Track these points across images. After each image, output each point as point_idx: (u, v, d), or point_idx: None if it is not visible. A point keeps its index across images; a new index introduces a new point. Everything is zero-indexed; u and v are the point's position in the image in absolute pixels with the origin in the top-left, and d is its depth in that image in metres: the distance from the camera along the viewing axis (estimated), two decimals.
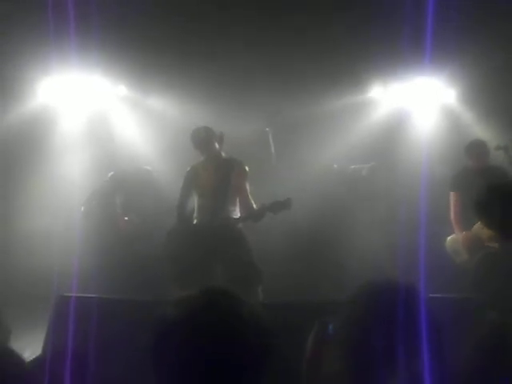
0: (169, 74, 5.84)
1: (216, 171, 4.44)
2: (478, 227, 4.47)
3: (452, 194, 4.82)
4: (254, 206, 4.38)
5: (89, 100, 6.30)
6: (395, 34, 4.44)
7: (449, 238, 4.73)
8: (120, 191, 5.62)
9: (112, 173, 5.69)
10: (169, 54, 5.52)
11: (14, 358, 1.21)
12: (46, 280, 4.90)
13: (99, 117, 6.30)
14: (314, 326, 1.54)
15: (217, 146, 4.47)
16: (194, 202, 4.57)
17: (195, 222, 4.48)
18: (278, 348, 1.28)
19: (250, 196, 4.42)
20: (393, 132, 6.11)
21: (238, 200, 4.44)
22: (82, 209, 5.58)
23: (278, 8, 4.96)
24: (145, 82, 6.14)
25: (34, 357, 2.26)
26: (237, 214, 4.43)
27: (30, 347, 3.23)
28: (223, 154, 4.53)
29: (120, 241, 5.44)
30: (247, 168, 4.50)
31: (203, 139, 4.43)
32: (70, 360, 1.86)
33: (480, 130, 6.01)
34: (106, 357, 2.33)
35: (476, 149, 4.75)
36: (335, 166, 5.93)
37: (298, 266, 5.17)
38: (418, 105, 6.24)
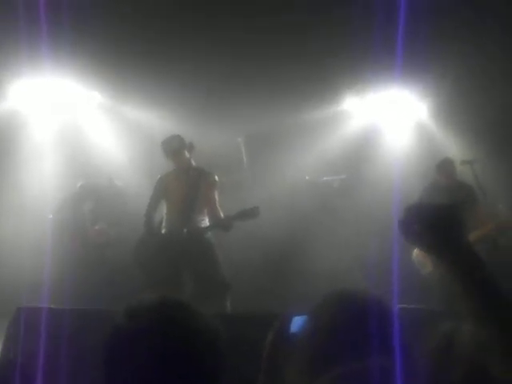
0: (143, 82, 5.78)
1: (185, 181, 4.43)
2: None
3: None
4: (222, 215, 4.35)
5: (60, 105, 6.19)
6: (368, 45, 4.48)
7: (415, 249, 4.76)
8: (89, 201, 5.56)
9: (81, 183, 5.63)
10: (143, 61, 5.47)
11: None
12: (11, 290, 4.80)
13: (70, 123, 6.20)
14: (276, 321, 1.50)
15: (187, 155, 4.45)
16: (163, 211, 4.52)
17: (164, 231, 4.44)
18: (231, 362, 1.24)
19: (218, 206, 4.42)
20: (365, 145, 6.16)
21: (206, 210, 4.42)
22: (51, 217, 5.48)
23: (252, 19, 4.96)
24: (118, 89, 6.06)
25: None
26: (206, 223, 4.42)
27: None
28: (193, 164, 4.51)
29: (90, 250, 5.36)
30: (217, 178, 4.51)
31: (173, 148, 4.42)
32: (20, 370, 1.80)
33: (449, 144, 6.10)
34: (59, 368, 2.26)
35: (446, 167, 4.87)
36: (307, 177, 5.94)
37: (267, 278, 5.15)
38: (390, 118, 6.31)
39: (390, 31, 3.76)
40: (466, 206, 4.51)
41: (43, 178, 5.79)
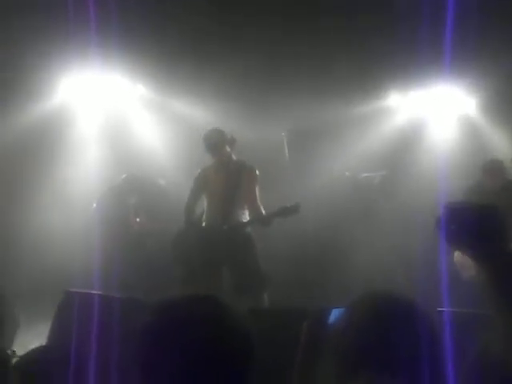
0: (188, 75, 5.86)
1: (226, 175, 4.43)
2: None
3: None
4: (263, 210, 4.36)
5: (107, 99, 6.34)
6: (414, 41, 4.38)
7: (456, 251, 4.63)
8: (132, 194, 5.67)
9: (125, 175, 5.75)
10: (188, 55, 5.54)
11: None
12: (56, 276, 4.98)
13: (117, 116, 6.34)
14: (312, 313, 1.51)
15: (228, 149, 4.47)
16: (204, 205, 4.56)
17: (204, 225, 4.47)
18: (260, 358, 1.25)
19: (258, 200, 4.40)
20: (408, 141, 6.04)
21: (247, 205, 4.42)
22: (94, 205, 5.64)
23: (293, 12, 4.93)
24: (164, 82, 6.16)
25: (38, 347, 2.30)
26: (246, 218, 4.41)
27: (36, 340, 3.31)
28: (234, 158, 4.53)
29: (131, 240, 5.49)
30: (258, 172, 4.48)
31: (214, 142, 4.43)
32: (73, 353, 1.88)
33: (498, 141, 5.91)
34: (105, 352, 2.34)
35: (493, 167, 4.72)
36: (347, 173, 5.88)
37: (306, 273, 5.14)
38: (436, 114, 6.16)
39: (437, 25, 3.68)
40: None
41: (90, 170, 5.97)
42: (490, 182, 4.70)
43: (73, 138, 6.21)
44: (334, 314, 1.52)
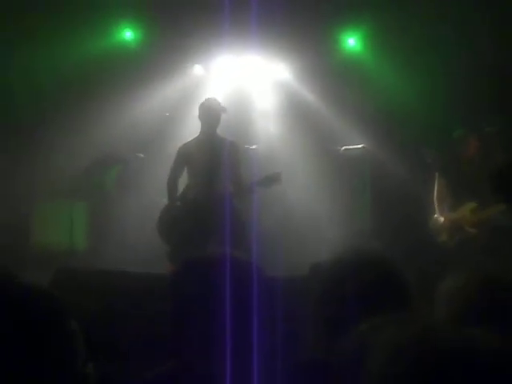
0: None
1: (210, 149, 4.48)
2: (463, 211, 4.57)
3: (437, 174, 4.86)
4: (244, 182, 4.46)
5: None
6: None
7: (433, 217, 4.79)
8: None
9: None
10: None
11: None
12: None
13: None
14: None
15: (220, 118, 4.53)
16: (187, 178, 4.60)
17: (188, 198, 4.53)
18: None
19: (241, 173, 4.48)
20: None
21: (231, 178, 4.50)
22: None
23: None
24: None
25: None
26: (229, 190, 4.49)
27: None
28: (218, 132, 4.58)
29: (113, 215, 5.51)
30: (240, 147, 4.55)
31: (214, 109, 4.49)
32: None
33: None
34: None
35: (463, 138, 4.74)
36: (329, 146, 5.93)
37: (291, 243, 5.26)
38: None
39: None
40: None
41: None
42: (462, 151, 4.78)
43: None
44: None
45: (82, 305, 2.24)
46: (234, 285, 1.27)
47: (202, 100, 4.64)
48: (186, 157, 4.60)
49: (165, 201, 4.74)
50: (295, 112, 5.91)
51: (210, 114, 4.49)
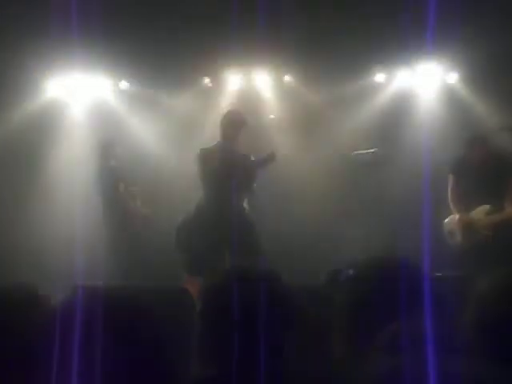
0: (170, 67, 5.90)
1: (231, 159, 4.49)
2: (478, 213, 4.59)
3: (451, 176, 4.87)
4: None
5: (91, 96, 6.34)
6: (397, 18, 4.45)
7: (447, 219, 4.80)
8: (123, 180, 5.69)
9: (113, 162, 5.74)
10: (168, 48, 5.57)
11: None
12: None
13: (101, 112, 6.33)
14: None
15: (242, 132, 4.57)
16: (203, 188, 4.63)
17: (206, 209, 4.55)
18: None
19: (254, 189, 4.59)
20: (396, 117, 6.12)
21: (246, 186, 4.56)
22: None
23: None
24: (147, 76, 6.17)
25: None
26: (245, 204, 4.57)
27: None
28: (235, 145, 4.61)
29: (131, 229, 5.55)
30: (253, 158, 4.62)
31: (240, 121, 4.54)
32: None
33: (483, 111, 5.99)
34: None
35: (476, 143, 4.76)
36: (340, 152, 5.95)
37: (305, 251, 5.26)
38: (420, 90, 6.23)
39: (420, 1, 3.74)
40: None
41: (78, 164, 5.99)
42: (475, 154, 4.78)
43: (60, 136, 6.23)
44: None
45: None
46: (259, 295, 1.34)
47: (225, 111, 4.71)
48: (202, 164, 4.57)
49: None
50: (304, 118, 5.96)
51: (233, 125, 4.51)
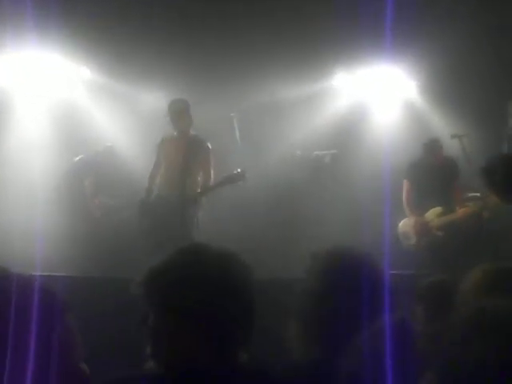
0: (134, 56, 5.78)
1: (183, 145, 4.54)
2: (430, 215, 4.87)
3: (405, 181, 5.10)
4: (212, 181, 4.54)
5: (49, 80, 6.13)
6: (357, 20, 4.53)
7: (402, 221, 4.97)
8: (89, 174, 5.59)
9: (79, 157, 5.65)
10: (135, 35, 5.46)
11: None
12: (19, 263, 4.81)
13: (61, 99, 6.15)
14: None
15: (190, 118, 4.59)
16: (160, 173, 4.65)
17: (156, 194, 4.59)
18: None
19: (212, 172, 4.55)
20: (355, 120, 6.24)
21: (201, 176, 4.58)
22: (52, 195, 5.51)
23: None
24: (108, 63, 6.03)
25: None
26: (198, 188, 4.56)
27: None
28: (191, 131, 4.64)
29: (90, 222, 5.43)
30: (210, 146, 4.62)
31: (180, 109, 4.53)
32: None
33: (437, 119, 6.20)
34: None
35: (433, 147, 5.01)
36: (298, 152, 6.02)
37: (255, 248, 5.25)
38: (379, 94, 6.38)
39: (379, 5, 3.82)
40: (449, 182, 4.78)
41: (38, 156, 5.78)
42: (430, 158, 4.97)
43: (12, 122, 5.98)
44: None
45: None
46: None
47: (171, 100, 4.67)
48: (161, 151, 4.69)
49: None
50: None
51: (176, 114, 4.53)
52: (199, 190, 4.52)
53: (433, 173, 4.89)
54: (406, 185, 5.08)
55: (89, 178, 5.61)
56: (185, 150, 4.51)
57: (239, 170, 4.38)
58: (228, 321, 1.21)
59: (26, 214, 5.38)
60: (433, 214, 4.84)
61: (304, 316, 1.46)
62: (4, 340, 1.10)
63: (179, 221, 4.32)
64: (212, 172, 4.57)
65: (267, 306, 1.56)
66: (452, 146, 5.04)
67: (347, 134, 6.13)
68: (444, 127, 5.84)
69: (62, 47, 5.73)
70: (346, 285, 1.39)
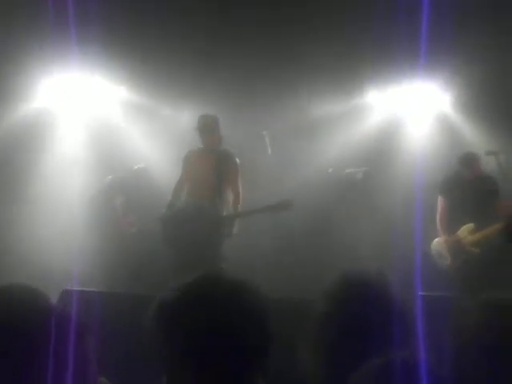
0: (168, 75, 5.88)
1: (211, 160, 4.51)
2: (463, 232, 4.70)
3: (440, 198, 4.93)
4: (240, 198, 4.48)
5: (89, 101, 6.30)
6: (391, 38, 4.50)
7: (434, 240, 4.85)
8: (120, 194, 5.69)
9: (111, 176, 5.76)
10: (171, 56, 5.56)
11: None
12: (51, 278, 4.95)
13: (99, 119, 6.31)
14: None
15: (219, 134, 4.57)
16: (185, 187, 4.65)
17: (182, 209, 4.52)
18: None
19: (240, 189, 4.51)
20: (387, 137, 6.18)
21: (229, 192, 4.54)
22: (86, 212, 5.62)
23: (276, 10, 5.02)
24: (146, 84, 6.16)
25: None
26: (226, 204, 4.51)
27: None
28: (221, 146, 4.62)
29: (123, 243, 5.50)
30: (238, 160, 4.60)
31: (209, 124, 4.52)
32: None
33: (472, 135, 6.08)
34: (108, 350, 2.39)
35: (469, 160, 4.84)
36: (330, 170, 5.99)
37: (290, 270, 5.22)
38: (413, 110, 6.31)
39: (413, 23, 3.80)
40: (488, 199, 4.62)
41: (74, 175, 5.92)
42: (466, 172, 4.82)
43: (55, 142, 6.16)
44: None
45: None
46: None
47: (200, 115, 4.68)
48: (188, 164, 4.67)
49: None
50: None
51: (204, 129, 4.51)
52: (233, 211, 4.46)
53: (468, 187, 4.72)
54: (440, 202, 4.91)
55: (120, 197, 5.69)
56: (213, 164, 4.47)
57: (286, 199, 4.24)
58: (244, 351, 1.20)
59: (62, 229, 5.51)
60: (465, 230, 4.69)
61: (319, 341, 1.43)
62: (19, 362, 1.12)
63: (206, 240, 4.26)
64: (240, 189, 4.53)
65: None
66: (487, 164, 4.90)
67: (380, 151, 6.06)
68: (479, 143, 5.73)
69: (103, 69, 5.89)
70: (356, 312, 1.38)
